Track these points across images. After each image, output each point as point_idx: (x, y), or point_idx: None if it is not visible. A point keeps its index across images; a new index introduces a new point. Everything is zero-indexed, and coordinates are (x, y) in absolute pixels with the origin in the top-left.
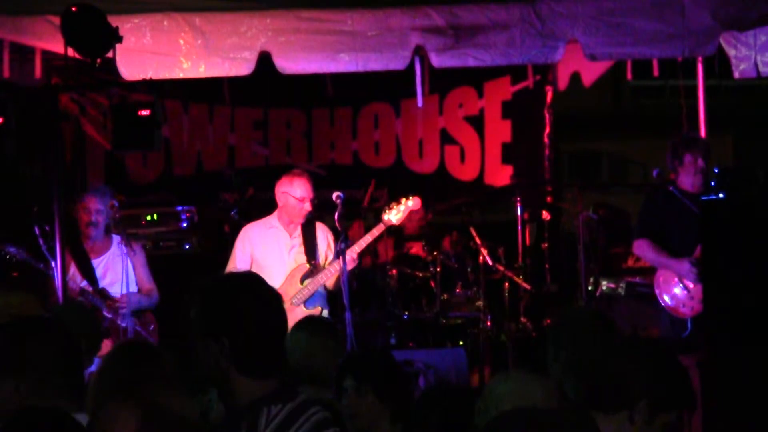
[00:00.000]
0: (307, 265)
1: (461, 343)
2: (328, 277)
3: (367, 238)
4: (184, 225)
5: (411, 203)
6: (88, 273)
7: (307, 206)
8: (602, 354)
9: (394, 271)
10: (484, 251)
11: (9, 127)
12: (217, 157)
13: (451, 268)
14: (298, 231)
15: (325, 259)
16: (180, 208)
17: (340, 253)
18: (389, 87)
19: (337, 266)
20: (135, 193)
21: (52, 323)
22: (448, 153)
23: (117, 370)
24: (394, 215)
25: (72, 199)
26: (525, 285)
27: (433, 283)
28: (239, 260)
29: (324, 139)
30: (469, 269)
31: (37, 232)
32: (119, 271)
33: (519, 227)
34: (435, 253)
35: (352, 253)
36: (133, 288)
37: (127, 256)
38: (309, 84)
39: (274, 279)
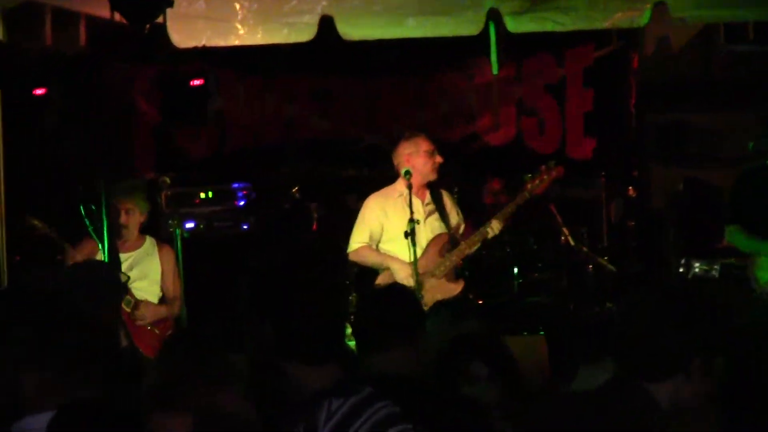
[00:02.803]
0: (447, 235)
1: (540, 330)
2: (471, 248)
3: (511, 207)
4: (241, 203)
5: (555, 173)
6: (113, 262)
7: (438, 158)
8: (648, 326)
9: None
10: (566, 230)
11: (51, 99)
12: (275, 130)
13: (529, 248)
14: (429, 197)
15: (458, 227)
16: (236, 185)
17: (408, 234)
18: (461, 54)
19: (479, 236)
20: (187, 170)
21: (78, 312)
22: (525, 124)
23: (165, 372)
24: (537, 185)
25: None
26: (610, 267)
27: (509, 265)
28: (366, 234)
29: (390, 110)
30: (549, 250)
31: (83, 213)
32: (146, 271)
33: (603, 204)
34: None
35: (498, 223)
36: (157, 290)
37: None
38: (374, 51)
39: (411, 250)
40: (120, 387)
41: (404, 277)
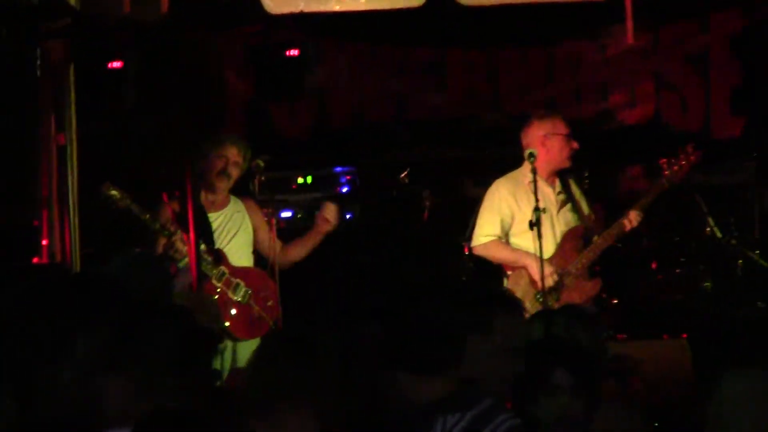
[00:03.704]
0: (582, 228)
1: (683, 333)
2: (608, 242)
3: (650, 198)
4: (344, 190)
5: (693, 158)
6: (204, 230)
7: (575, 143)
8: None
9: None
10: (711, 220)
11: (128, 72)
12: (381, 107)
13: (669, 241)
14: (559, 185)
15: (590, 218)
16: (339, 169)
17: (533, 225)
18: (592, 21)
19: (616, 229)
20: (282, 151)
21: (171, 310)
22: (665, 100)
23: (277, 370)
24: (676, 173)
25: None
26: (762, 262)
27: (647, 260)
28: (497, 225)
29: (513, 85)
30: (692, 243)
31: (165, 199)
32: (238, 229)
33: (754, 191)
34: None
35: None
36: (249, 252)
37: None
38: (493, 18)
39: (544, 244)
40: (213, 394)
41: (541, 276)
